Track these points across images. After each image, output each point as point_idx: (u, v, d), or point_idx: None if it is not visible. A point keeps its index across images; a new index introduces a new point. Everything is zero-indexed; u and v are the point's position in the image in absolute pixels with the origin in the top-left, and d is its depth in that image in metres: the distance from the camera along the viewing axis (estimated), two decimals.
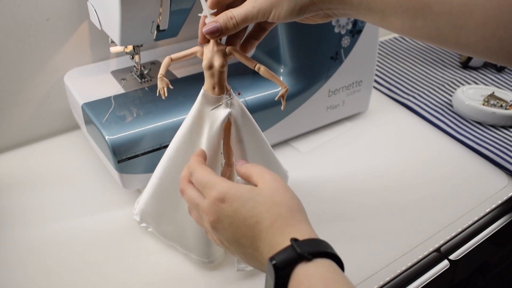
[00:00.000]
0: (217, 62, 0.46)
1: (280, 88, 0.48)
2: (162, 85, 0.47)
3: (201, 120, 0.49)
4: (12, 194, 0.64)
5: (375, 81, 0.91)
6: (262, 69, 0.47)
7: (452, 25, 0.39)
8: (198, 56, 0.47)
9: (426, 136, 0.78)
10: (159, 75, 0.46)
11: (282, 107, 0.49)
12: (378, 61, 0.98)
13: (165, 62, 0.47)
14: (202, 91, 0.48)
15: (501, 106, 0.80)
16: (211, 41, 0.46)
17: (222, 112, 0.48)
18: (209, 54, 0.46)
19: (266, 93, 0.67)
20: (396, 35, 1.10)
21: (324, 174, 0.69)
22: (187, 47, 0.80)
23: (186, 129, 0.50)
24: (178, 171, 0.51)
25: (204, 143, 0.49)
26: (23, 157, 0.71)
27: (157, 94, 0.47)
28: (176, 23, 0.60)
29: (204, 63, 0.46)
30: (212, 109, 0.48)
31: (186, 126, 0.50)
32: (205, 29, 0.44)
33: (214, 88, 0.47)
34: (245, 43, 0.49)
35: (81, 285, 0.52)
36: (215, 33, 0.44)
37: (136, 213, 0.58)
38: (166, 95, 0.47)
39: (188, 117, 0.50)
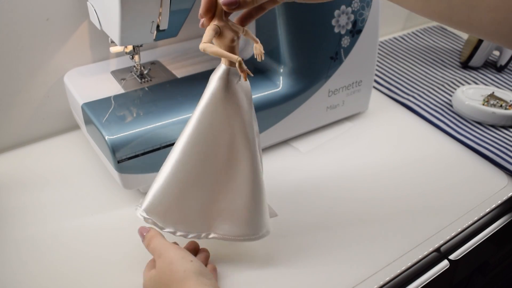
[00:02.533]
0: (235, 34, 0.46)
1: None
2: (244, 66, 0.44)
3: (231, 96, 0.47)
4: (12, 194, 0.64)
5: (375, 81, 0.91)
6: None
7: (465, 5, 0.39)
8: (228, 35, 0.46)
9: (426, 136, 0.78)
10: (237, 60, 0.43)
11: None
12: (378, 61, 0.98)
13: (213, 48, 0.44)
14: (224, 66, 0.46)
15: (501, 106, 0.80)
16: (222, 17, 0.45)
17: (247, 83, 0.48)
18: (227, 28, 0.45)
19: (266, 93, 0.67)
20: (396, 35, 1.10)
21: (324, 174, 0.69)
22: (187, 47, 0.80)
23: (208, 109, 0.47)
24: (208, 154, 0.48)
25: (245, 117, 0.47)
26: (23, 157, 0.71)
27: (245, 80, 0.44)
28: (176, 23, 0.60)
29: (230, 36, 0.45)
30: (238, 81, 0.47)
31: (207, 105, 0.47)
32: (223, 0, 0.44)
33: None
34: (242, 19, 0.49)
35: (81, 285, 0.53)
36: (233, 5, 0.43)
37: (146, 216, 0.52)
38: (252, 75, 0.45)
39: (214, 97, 0.47)
